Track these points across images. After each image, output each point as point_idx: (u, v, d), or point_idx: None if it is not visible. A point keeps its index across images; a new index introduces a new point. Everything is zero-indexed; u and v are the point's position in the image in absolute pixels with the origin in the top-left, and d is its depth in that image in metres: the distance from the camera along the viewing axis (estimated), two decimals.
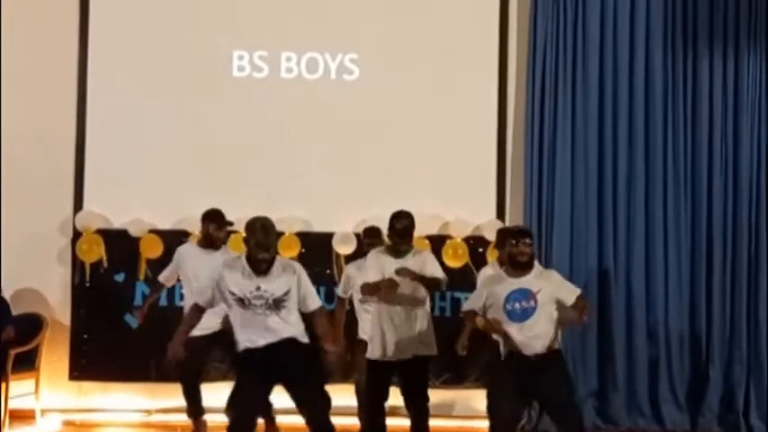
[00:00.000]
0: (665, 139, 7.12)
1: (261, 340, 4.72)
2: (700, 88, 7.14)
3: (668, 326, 7.03)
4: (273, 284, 4.71)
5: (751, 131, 7.13)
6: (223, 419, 5.39)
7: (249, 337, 4.76)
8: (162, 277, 6.22)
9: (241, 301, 4.71)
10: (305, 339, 4.85)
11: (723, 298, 7.07)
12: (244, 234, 6.71)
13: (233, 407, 4.75)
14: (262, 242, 4.69)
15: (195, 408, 6.03)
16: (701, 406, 6.99)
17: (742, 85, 7.13)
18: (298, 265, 4.92)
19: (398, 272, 5.32)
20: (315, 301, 4.88)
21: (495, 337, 4.99)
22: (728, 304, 7.07)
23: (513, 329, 4.84)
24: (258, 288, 4.69)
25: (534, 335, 4.83)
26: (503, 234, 5.78)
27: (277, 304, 4.71)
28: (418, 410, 5.53)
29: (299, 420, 4.91)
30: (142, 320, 6.22)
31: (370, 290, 5.40)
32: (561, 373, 4.94)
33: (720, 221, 7.09)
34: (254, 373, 4.75)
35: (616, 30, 7.13)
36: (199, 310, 4.91)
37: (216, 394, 5.73)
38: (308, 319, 4.90)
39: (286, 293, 4.73)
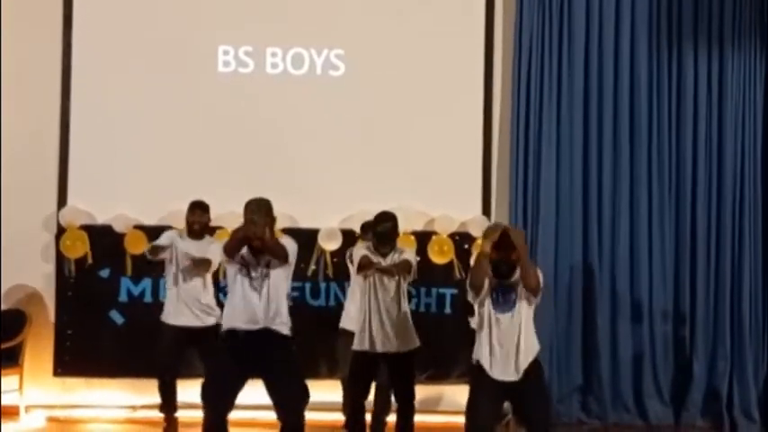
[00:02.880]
0: (649, 136, 7.16)
1: (248, 325, 4.81)
2: (684, 86, 7.18)
3: (652, 321, 7.08)
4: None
5: (735, 128, 7.17)
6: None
7: (239, 316, 4.83)
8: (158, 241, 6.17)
9: (246, 268, 4.83)
10: (288, 332, 4.93)
11: (707, 293, 7.12)
12: (228, 230, 6.81)
13: (208, 400, 4.82)
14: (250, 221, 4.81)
15: (169, 404, 6.08)
16: (685, 400, 7.05)
17: (726, 83, 7.17)
18: (290, 239, 5.08)
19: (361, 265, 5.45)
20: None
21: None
22: (712, 299, 7.12)
23: (493, 322, 4.82)
24: (258, 262, 4.85)
25: (511, 339, 4.78)
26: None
27: (269, 265, 4.85)
28: (404, 405, 5.55)
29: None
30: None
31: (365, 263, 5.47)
32: (540, 386, 4.91)
33: (704, 218, 7.14)
34: (233, 362, 4.81)
35: (601, 26, 7.15)
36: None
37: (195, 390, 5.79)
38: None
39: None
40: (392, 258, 5.52)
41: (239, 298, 4.86)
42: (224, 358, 4.89)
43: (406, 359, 5.52)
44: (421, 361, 5.97)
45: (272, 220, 4.93)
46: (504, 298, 4.82)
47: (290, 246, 4.95)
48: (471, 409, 4.84)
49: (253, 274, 4.85)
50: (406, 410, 5.58)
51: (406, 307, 5.56)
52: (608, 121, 7.14)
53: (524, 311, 4.83)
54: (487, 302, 4.84)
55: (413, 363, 5.60)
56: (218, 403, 4.81)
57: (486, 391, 4.79)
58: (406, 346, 5.50)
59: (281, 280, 4.92)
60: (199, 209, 6.15)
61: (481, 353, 4.82)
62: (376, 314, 5.46)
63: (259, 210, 4.82)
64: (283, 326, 4.91)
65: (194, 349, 6.11)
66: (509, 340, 4.79)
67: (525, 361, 4.78)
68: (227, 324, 4.91)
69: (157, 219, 6.96)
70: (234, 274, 4.89)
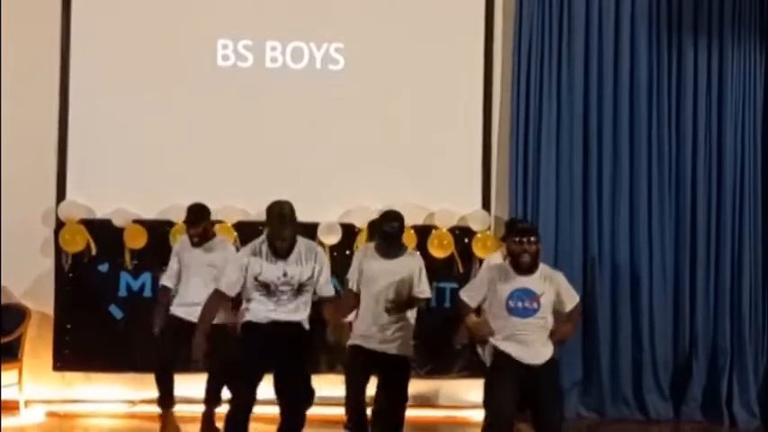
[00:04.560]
0: (649, 131, 7.15)
1: (273, 315, 4.78)
2: (684, 81, 7.19)
3: (652, 315, 7.08)
4: (298, 269, 4.81)
5: (735, 123, 7.18)
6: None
7: (263, 311, 4.79)
8: (166, 279, 6.11)
9: (266, 287, 4.77)
10: (307, 326, 4.93)
11: (707, 288, 7.12)
12: (228, 224, 6.81)
13: (234, 393, 4.83)
14: (277, 232, 4.75)
15: (166, 398, 5.96)
16: (685, 395, 7.05)
17: (726, 78, 7.18)
18: (320, 251, 5.01)
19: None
20: (330, 290, 5.02)
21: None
22: (712, 294, 7.13)
23: (510, 324, 4.76)
24: (285, 274, 4.77)
25: (530, 336, 4.74)
26: (510, 227, 5.80)
27: (301, 288, 4.83)
28: (395, 407, 5.49)
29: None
30: (159, 328, 6.05)
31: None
32: (553, 385, 4.86)
33: (704, 213, 7.14)
34: (254, 354, 4.78)
35: (601, 20, 7.15)
36: (222, 298, 4.91)
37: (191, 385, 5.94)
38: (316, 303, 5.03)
39: (309, 278, 4.86)
40: (402, 261, 5.41)
41: (264, 307, 4.80)
42: (245, 350, 4.83)
43: (401, 363, 5.45)
44: (420, 356, 5.95)
45: (297, 224, 4.83)
46: (522, 304, 4.73)
47: (324, 264, 4.92)
48: (493, 398, 4.77)
49: (281, 297, 4.82)
50: (398, 409, 5.54)
51: (408, 317, 5.50)
52: (608, 116, 7.14)
53: (548, 314, 4.76)
54: (502, 309, 4.75)
55: (407, 369, 5.55)
56: (244, 396, 4.77)
57: (506, 380, 4.70)
58: (401, 351, 5.42)
59: (311, 286, 4.90)
60: (193, 224, 5.90)
61: (497, 341, 4.79)
62: (379, 318, 5.38)
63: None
64: (306, 320, 4.88)
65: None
66: (526, 337, 4.73)
67: (544, 352, 4.75)
68: (248, 317, 4.84)
69: (157, 213, 6.95)
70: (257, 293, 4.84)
